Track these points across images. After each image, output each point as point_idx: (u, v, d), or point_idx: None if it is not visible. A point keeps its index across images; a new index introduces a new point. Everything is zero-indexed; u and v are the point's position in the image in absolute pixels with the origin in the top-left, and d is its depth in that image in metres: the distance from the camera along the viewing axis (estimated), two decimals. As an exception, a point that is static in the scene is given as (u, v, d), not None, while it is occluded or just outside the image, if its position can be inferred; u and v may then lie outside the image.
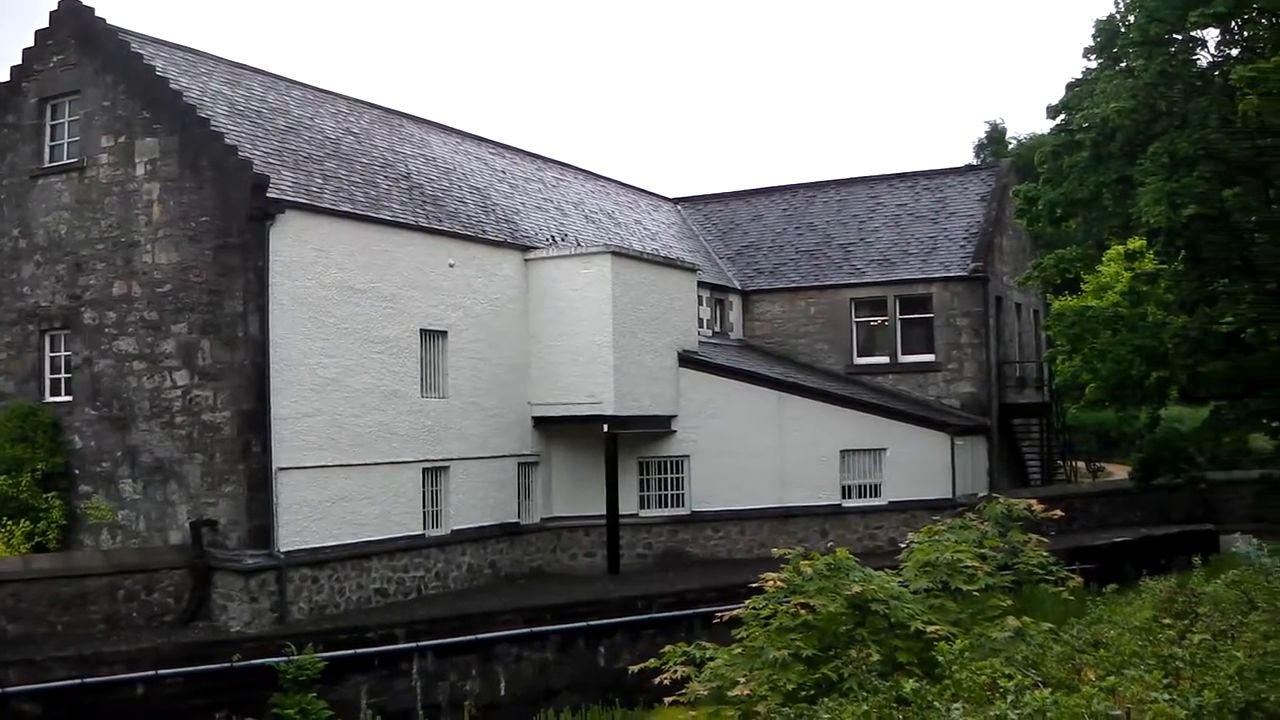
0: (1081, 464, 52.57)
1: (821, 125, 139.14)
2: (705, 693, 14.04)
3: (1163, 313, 35.19)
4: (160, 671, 22.93)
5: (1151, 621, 8.93)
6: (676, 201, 52.71)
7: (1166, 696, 5.68)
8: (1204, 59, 33.29)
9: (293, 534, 26.78)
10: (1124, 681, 6.16)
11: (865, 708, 7.35)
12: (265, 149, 28.87)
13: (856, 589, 12.98)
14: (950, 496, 35.71)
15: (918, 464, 36.81)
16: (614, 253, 34.50)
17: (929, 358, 42.75)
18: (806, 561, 13.92)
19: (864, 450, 37.06)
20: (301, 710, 23.50)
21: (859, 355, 43.84)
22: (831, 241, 46.52)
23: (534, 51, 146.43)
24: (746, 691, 12.81)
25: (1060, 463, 49.34)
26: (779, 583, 13.84)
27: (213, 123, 27.91)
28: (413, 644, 25.80)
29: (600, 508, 34.30)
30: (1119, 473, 47.41)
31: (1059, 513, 16.49)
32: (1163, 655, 6.77)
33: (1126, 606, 13.54)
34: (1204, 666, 6.33)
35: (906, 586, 14.21)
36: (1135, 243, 40.31)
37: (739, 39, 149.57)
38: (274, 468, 26.49)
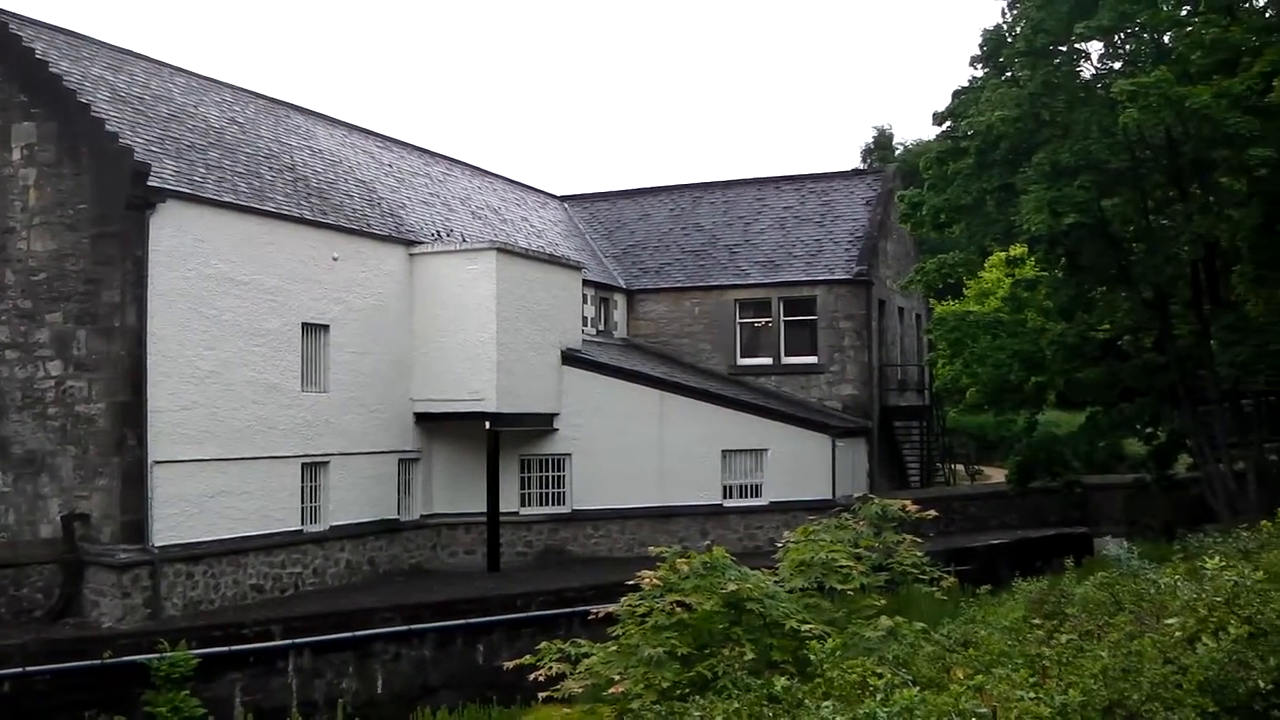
0: (960, 467, 53.30)
1: (711, 126, 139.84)
2: (580, 690, 14.02)
3: (1042, 319, 35.76)
4: (28, 669, 22.43)
5: (1021, 622, 9.05)
6: (564, 199, 52.66)
7: (1032, 695, 5.74)
8: (1087, 71, 33.91)
9: (168, 529, 26.39)
10: (992, 680, 6.22)
11: (736, 705, 7.34)
12: (146, 137, 28.39)
13: (732, 588, 13.01)
14: (830, 498, 35.97)
15: (799, 465, 37.09)
16: (499, 249, 34.36)
17: (812, 359, 43.10)
18: (683, 560, 13.93)
19: (745, 450, 37.26)
20: (174, 708, 23.12)
21: (742, 356, 44.08)
22: (717, 242, 46.71)
23: (423, 46, 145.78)
24: (621, 689, 12.80)
25: (940, 465, 49.99)
26: (655, 581, 13.85)
27: (93, 108, 27.40)
28: (289, 641, 25.48)
29: (481, 505, 34.12)
30: (997, 476, 48.17)
31: (933, 513, 16.67)
32: (1030, 655, 6.85)
33: (999, 607, 13.73)
34: (1070, 666, 6.42)
35: (782, 586, 14.28)
36: (1017, 249, 40.95)
37: (629, 39, 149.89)
38: (150, 461, 26.09)
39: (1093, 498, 41.67)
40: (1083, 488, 40.88)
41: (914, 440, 46.98)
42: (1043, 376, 35.30)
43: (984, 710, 5.47)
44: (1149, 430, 37.85)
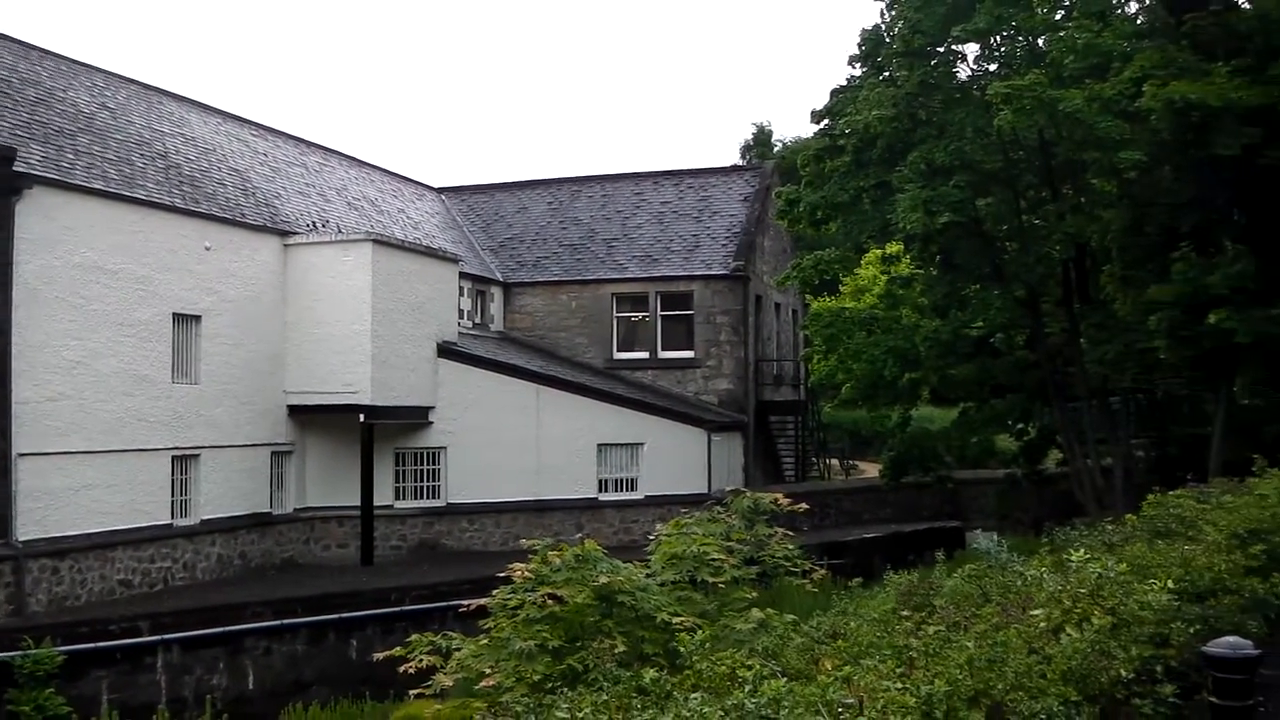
0: (835, 461, 53.71)
1: (592, 121, 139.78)
2: (451, 684, 13.93)
3: (917, 316, 36.18)
4: (-116, 666, 21.89)
5: (890, 614, 9.14)
6: (441, 191, 52.27)
7: (899, 685, 5.78)
8: (964, 72, 34.42)
9: (32, 523, 25.81)
10: (860, 671, 6.25)
11: (605, 697, 7.32)
12: (13, 121, 27.77)
13: (604, 580, 12.99)
14: (706, 492, 36.07)
15: (674, 459, 37.19)
16: (375, 241, 34.07)
17: (688, 354, 43.18)
18: (555, 553, 13.89)
19: (621, 444, 37.32)
20: (38, 706, 22.62)
21: (619, 350, 44.06)
22: (595, 236, 46.63)
23: (298, 34, 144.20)
24: (493, 683, 12.74)
25: (815, 460, 50.38)
26: (527, 574, 13.80)
27: (-44, 91, 26.75)
28: (157, 637, 25.02)
29: (355, 498, 33.86)
30: (871, 470, 48.59)
31: (804, 506, 16.84)
32: (898, 646, 6.91)
33: (871, 600, 13.86)
34: (937, 656, 6.48)
35: (654, 578, 14.31)
36: (893, 247, 41.37)
37: (510, 31, 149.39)
38: (14, 454, 25.47)
39: (965, 492, 42.26)
40: (955, 483, 41.45)
41: (789, 435, 47.30)
42: (917, 373, 35.73)
43: (851, 700, 5.49)
44: (1020, 426, 38.51)
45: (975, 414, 38.25)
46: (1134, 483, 31.51)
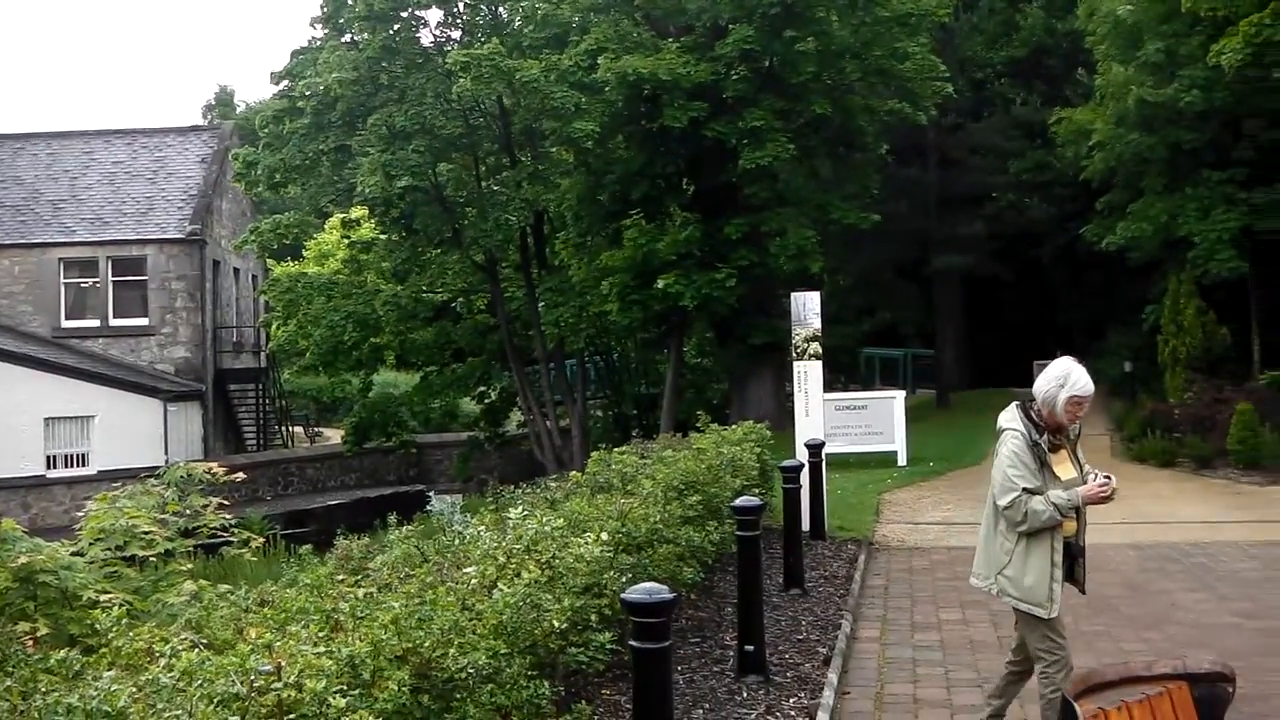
0: (300, 429, 53.04)
1: (38, 74, 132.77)
2: None
3: (381, 281, 36.22)
4: None
5: (326, 578, 8.92)
6: None
7: (319, 649, 5.60)
8: (426, 38, 34.62)
9: None
10: (283, 638, 6.04)
11: (8, 683, 6.80)
12: None
13: (24, 560, 12.27)
14: (164, 464, 34.85)
15: (129, 431, 35.76)
16: None
17: (143, 322, 41.34)
18: (-33, 536, 13.01)
19: (71, 418, 35.55)
20: None
21: (68, 318, 41.65)
22: (40, 197, 43.87)
23: None
24: (-100, 682, 11.79)
25: (278, 427, 49.55)
26: (-66, 562, 12.85)
27: None
28: None
29: None
30: (336, 437, 48.15)
31: (240, 475, 16.42)
32: (326, 610, 6.73)
33: (321, 567, 13.65)
34: (365, 618, 6.35)
35: (83, 555, 13.64)
36: (356, 211, 41.17)
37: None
38: None
39: (430, 456, 42.63)
40: (419, 446, 41.74)
41: (251, 403, 46.24)
42: (378, 338, 35.74)
43: (268, 667, 5.26)
44: (481, 389, 39.10)
45: (437, 378, 38.61)
46: (591, 441, 32.52)
